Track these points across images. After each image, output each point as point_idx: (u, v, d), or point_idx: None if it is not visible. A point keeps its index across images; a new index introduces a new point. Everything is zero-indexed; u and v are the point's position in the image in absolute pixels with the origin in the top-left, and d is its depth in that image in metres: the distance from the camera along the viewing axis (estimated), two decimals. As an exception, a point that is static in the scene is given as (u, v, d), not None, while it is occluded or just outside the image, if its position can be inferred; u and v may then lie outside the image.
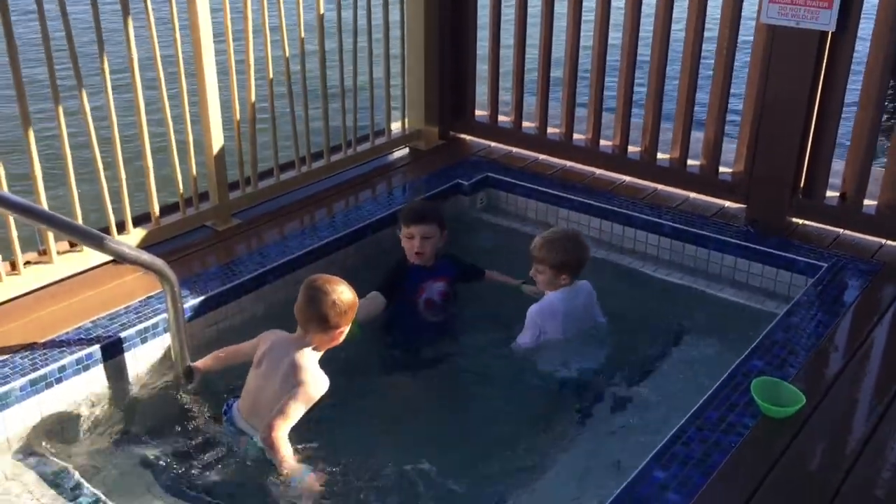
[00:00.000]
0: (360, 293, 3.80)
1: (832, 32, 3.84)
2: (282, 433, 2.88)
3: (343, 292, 2.98)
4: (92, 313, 3.40)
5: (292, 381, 2.92)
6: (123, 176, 3.74)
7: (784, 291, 3.96)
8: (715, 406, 2.93)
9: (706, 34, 4.32)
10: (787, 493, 2.58)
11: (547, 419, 3.40)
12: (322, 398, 2.98)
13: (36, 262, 3.58)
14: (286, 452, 2.88)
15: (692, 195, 4.57)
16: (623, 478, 2.64)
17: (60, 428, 3.13)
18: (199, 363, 3.32)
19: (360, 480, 2.95)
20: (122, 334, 3.30)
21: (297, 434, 2.99)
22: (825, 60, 3.93)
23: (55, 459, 2.96)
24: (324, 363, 3.07)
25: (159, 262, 3.10)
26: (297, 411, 2.91)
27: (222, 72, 3.97)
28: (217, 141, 4.03)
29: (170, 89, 3.86)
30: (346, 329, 3.03)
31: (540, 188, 4.67)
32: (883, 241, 4.06)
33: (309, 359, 2.99)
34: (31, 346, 3.20)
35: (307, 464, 2.93)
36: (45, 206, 3.48)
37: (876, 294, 3.67)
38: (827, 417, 2.88)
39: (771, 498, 2.55)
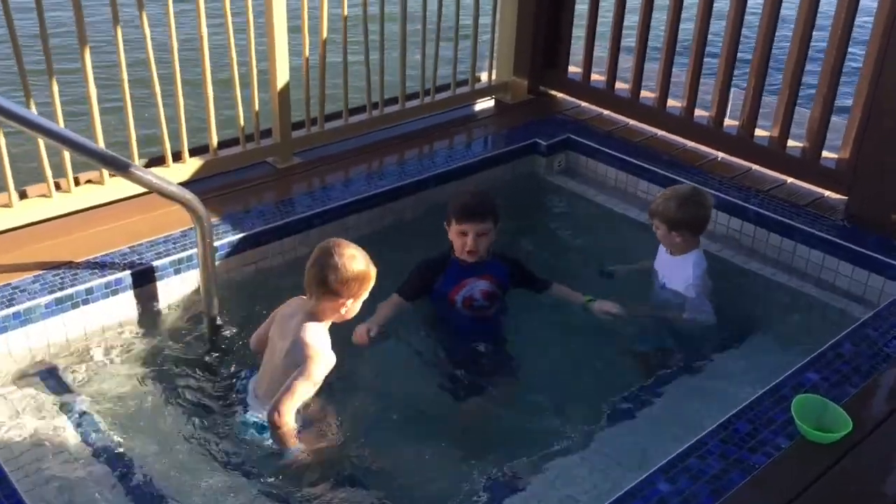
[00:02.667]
0: (414, 250, 3.63)
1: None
2: (288, 417, 2.68)
3: (352, 259, 2.69)
4: (133, 238, 3.41)
5: (296, 357, 2.70)
6: (182, 103, 3.69)
7: (873, 298, 3.54)
8: (749, 418, 2.62)
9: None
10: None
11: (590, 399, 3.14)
12: (331, 373, 2.80)
13: (87, 182, 3.60)
14: (289, 431, 2.70)
15: (790, 180, 4.14)
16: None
17: (82, 351, 3.16)
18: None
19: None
20: (156, 263, 3.29)
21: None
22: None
23: (69, 381, 2.99)
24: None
25: (188, 195, 3.03)
26: (303, 391, 2.68)
27: (293, 7, 3.85)
28: (283, 76, 3.92)
29: (236, 20, 3.76)
30: (351, 303, 2.75)
31: (622, 156, 4.36)
32: None
33: (313, 332, 2.73)
34: (65, 265, 3.23)
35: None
36: (98, 131, 3.49)
37: (976, 315, 3.21)
38: (874, 453, 2.53)
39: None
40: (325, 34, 4.03)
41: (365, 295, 2.80)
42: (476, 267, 3.30)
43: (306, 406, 2.79)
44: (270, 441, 2.73)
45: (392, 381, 3.18)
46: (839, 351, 2.94)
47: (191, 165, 3.82)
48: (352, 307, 2.79)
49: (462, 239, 3.23)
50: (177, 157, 3.80)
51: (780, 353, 3.35)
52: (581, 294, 3.45)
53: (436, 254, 3.39)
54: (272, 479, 2.68)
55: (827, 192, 4.01)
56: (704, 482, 2.38)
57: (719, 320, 3.52)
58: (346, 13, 4.07)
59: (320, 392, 2.81)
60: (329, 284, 2.69)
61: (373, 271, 2.76)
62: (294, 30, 3.91)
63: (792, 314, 3.60)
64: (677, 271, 3.47)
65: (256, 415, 2.81)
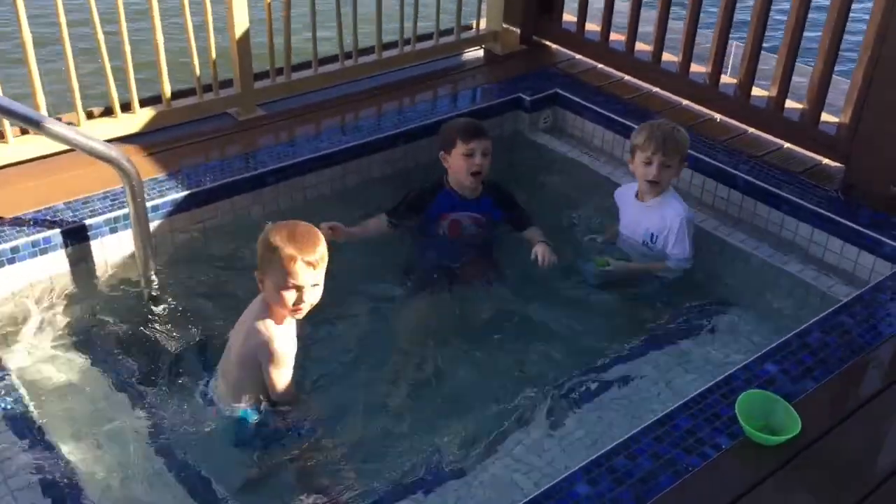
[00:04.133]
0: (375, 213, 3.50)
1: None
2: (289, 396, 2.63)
3: (264, 231, 2.50)
4: (69, 195, 3.24)
5: (249, 350, 2.57)
6: (128, 49, 3.49)
7: (863, 277, 3.25)
8: (692, 413, 2.40)
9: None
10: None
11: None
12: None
13: (26, 134, 3.43)
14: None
15: (787, 144, 3.82)
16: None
17: (7, 315, 3.02)
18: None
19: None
20: (89, 221, 3.13)
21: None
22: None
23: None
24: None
25: (114, 153, 2.85)
26: (280, 377, 2.58)
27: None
28: (242, 19, 3.69)
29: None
30: (268, 284, 2.50)
31: (610, 114, 4.06)
32: None
33: (260, 324, 2.55)
34: (-8, 222, 3.09)
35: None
36: (37, 81, 3.31)
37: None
38: (824, 458, 2.29)
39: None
40: (288, -22, 3.78)
41: (275, 273, 2.45)
42: (469, 204, 3.39)
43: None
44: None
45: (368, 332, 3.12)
46: (806, 340, 2.68)
47: (141, 116, 3.64)
48: (268, 288, 2.51)
49: (468, 161, 3.28)
50: (126, 108, 3.61)
51: (753, 337, 3.12)
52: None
53: (428, 183, 3.45)
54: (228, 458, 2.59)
55: (825, 160, 3.70)
56: (628, 486, 2.17)
57: (696, 295, 3.29)
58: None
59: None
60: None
61: (280, 242, 2.44)
62: None
63: (772, 292, 3.34)
64: (663, 211, 3.31)
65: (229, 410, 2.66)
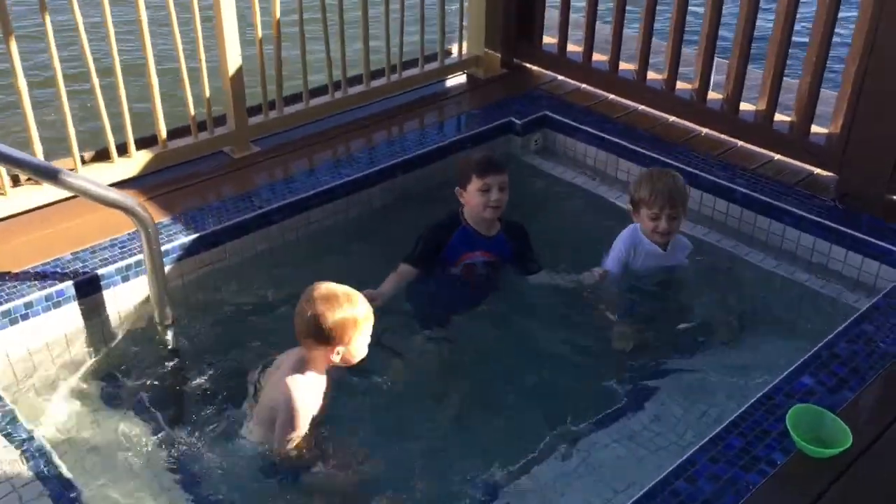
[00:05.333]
0: (395, 238, 3.50)
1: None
2: (294, 454, 2.58)
3: (331, 308, 2.49)
4: (75, 245, 3.15)
5: (276, 407, 2.56)
6: (123, 92, 3.41)
7: (868, 283, 3.35)
8: (741, 431, 2.43)
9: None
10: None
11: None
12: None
13: (27, 182, 3.33)
14: (299, 458, 2.59)
15: (778, 157, 3.92)
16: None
17: (25, 369, 2.92)
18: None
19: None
20: (101, 271, 3.04)
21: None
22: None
23: (9, 404, 2.75)
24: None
25: (130, 202, 2.78)
26: (292, 436, 2.56)
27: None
28: (234, 57, 3.65)
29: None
30: (344, 350, 2.55)
31: (601, 134, 4.11)
32: None
33: (294, 385, 2.55)
34: (2, 276, 2.98)
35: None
36: (32, 126, 3.21)
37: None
38: (880, 467, 2.34)
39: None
40: (277, 13, 3.74)
41: (359, 338, 2.56)
42: (485, 242, 3.29)
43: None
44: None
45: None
46: (834, 351, 2.75)
47: (138, 159, 3.56)
48: (347, 352, 2.57)
49: (485, 196, 3.20)
50: (122, 150, 3.53)
51: (770, 350, 3.16)
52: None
53: (443, 217, 3.34)
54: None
55: (817, 170, 3.81)
56: (694, 509, 2.19)
57: (703, 313, 3.33)
58: (301, -9, 3.78)
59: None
60: (311, 335, 2.51)
61: (361, 313, 2.53)
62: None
63: (782, 303, 3.41)
64: (680, 253, 3.35)
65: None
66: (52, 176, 2.59)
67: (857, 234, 3.38)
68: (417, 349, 3.14)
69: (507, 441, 2.81)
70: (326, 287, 2.54)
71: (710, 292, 3.38)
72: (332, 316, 2.48)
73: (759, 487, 2.25)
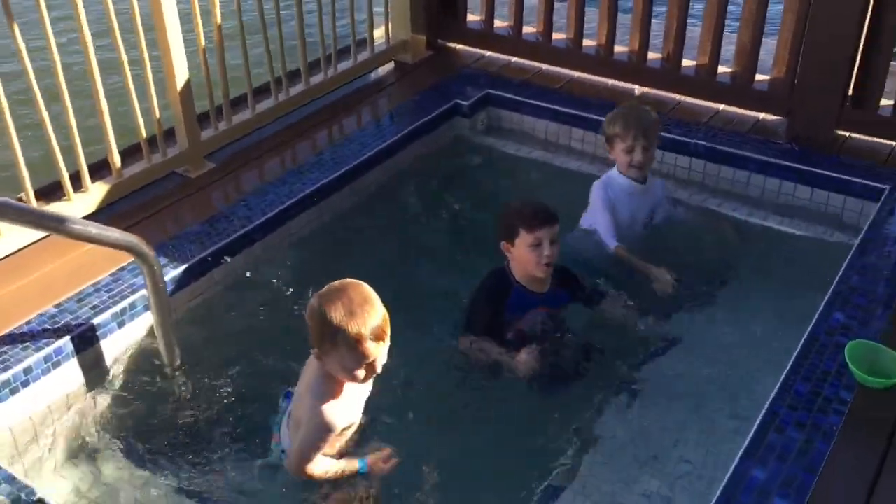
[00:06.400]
0: (364, 247, 3.42)
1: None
2: (311, 472, 2.40)
3: (319, 306, 2.21)
4: (56, 294, 2.85)
5: (307, 411, 2.36)
6: (73, 122, 3.11)
7: (837, 217, 3.56)
8: (803, 376, 2.53)
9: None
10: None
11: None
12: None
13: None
14: (331, 473, 2.43)
15: (722, 107, 4.08)
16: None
17: (31, 440, 2.63)
18: None
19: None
20: (96, 320, 2.77)
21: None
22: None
23: (22, 479, 2.47)
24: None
25: (133, 240, 2.55)
26: (313, 450, 2.36)
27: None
28: (181, 73, 3.39)
29: (120, 14, 3.19)
30: (329, 360, 2.27)
31: (549, 105, 4.14)
32: (944, 153, 3.66)
33: (315, 390, 2.34)
34: (-12, 343, 2.66)
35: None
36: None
37: (953, 219, 3.29)
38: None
39: None
40: (218, 18, 3.51)
41: (344, 357, 2.22)
42: (541, 298, 2.93)
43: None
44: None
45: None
46: (850, 284, 2.90)
47: (94, 193, 3.25)
48: (333, 367, 2.27)
49: (536, 251, 2.82)
50: (75, 181, 3.21)
51: (766, 294, 3.30)
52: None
53: (493, 280, 2.94)
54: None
55: (762, 115, 3.98)
56: (794, 459, 2.26)
57: (695, 269, 3.42)
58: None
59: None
60: (311, 338, 2.29)
61: (341, 320, 2.18)
62: (183, 18, 3.37)
63: (760, 248, 3.54)
64: (659, 191, 3.42)
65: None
66: (58, 224, 2.32)
67: (818, 170, 3.57)
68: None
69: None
70: (339, 284, 2.26)
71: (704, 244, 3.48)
72: (311, 313, 2.24)
73: (841, 429, 2.35)
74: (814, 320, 2.74)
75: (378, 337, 2.22)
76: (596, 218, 3.33)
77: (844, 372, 2.51)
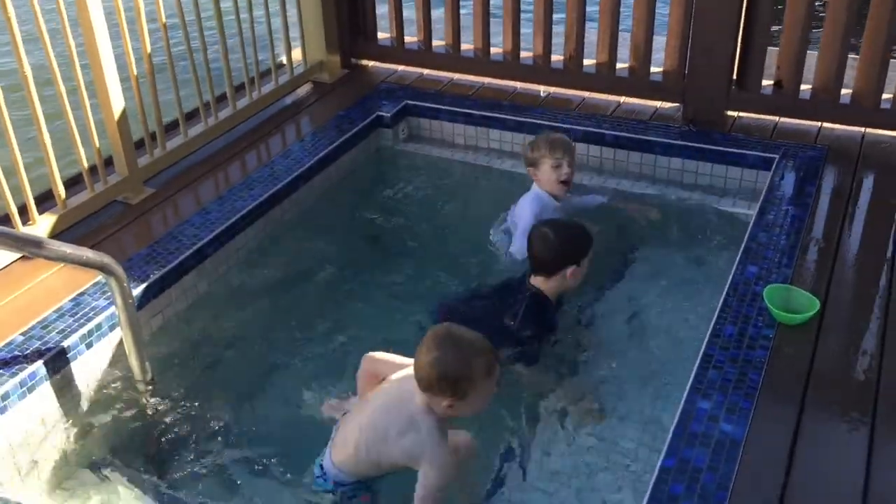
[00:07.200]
0: (310, 253, 3.63)
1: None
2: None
3: (442, 359, 2.27)
4: (17, 323, 2.91)
5: (413, 453, 2.38)
6: (18, 155, 3.17)
7: (735, 187, 3.94)
8: (730, 321, 2.84)
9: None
10: (833, 400, 2.54)
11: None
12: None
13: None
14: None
15: (623, 99, 4.43)
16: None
17: (11, 466, 2.68)
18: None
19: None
20: (65, 343, 2.84)
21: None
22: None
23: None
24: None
25: (106, 259, 2.65)
26: (445, 488, 2.36)
27: (112, 24, 3.42)
28: (117, 101, 3.50)
29: (55, 47, 3.27)
30: (454, 402, 2.33)
31: (465, 111, 4.41)
32: (819, 124, 4.09)
33: (432, 428, 2.37)
34: (-42, 376, 2.70)
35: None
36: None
37: (834, 177, 3.70)
38: (839, 314, 2.86)
39: (821, 409, 2.50)
40: (147, 48, 3.63)
41: (475, 397, 2.33)
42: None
43: None
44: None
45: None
46: (758, 241, 3.25)
47: (42, 225, 3.31)
48: (464, 406, 2.34)
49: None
50: (22, 214, 3.26)
51: (688, 259, 3.63)
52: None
53: (533, 304, 3.08)
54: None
55: (660, 103, 4.35)
56: (733, 389, 2.55)
57: (617, 243, 3.73)
58: (164, 20, 3.68)
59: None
60: (421, 382, 2.34)
61: (478, 370, 2.29)
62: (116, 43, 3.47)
63: (678, 222, 3.87)
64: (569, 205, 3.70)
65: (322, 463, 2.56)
66: (37, 246, 2.42)
67: (715, 147, 3.95)
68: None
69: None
70: (446, 332, 2.35)
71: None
72: (444, 370, 2.30)
73: (768, 360, 2.67)
74: (731, 274, 3.07)
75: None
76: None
77: (764, 314, 2.84)
